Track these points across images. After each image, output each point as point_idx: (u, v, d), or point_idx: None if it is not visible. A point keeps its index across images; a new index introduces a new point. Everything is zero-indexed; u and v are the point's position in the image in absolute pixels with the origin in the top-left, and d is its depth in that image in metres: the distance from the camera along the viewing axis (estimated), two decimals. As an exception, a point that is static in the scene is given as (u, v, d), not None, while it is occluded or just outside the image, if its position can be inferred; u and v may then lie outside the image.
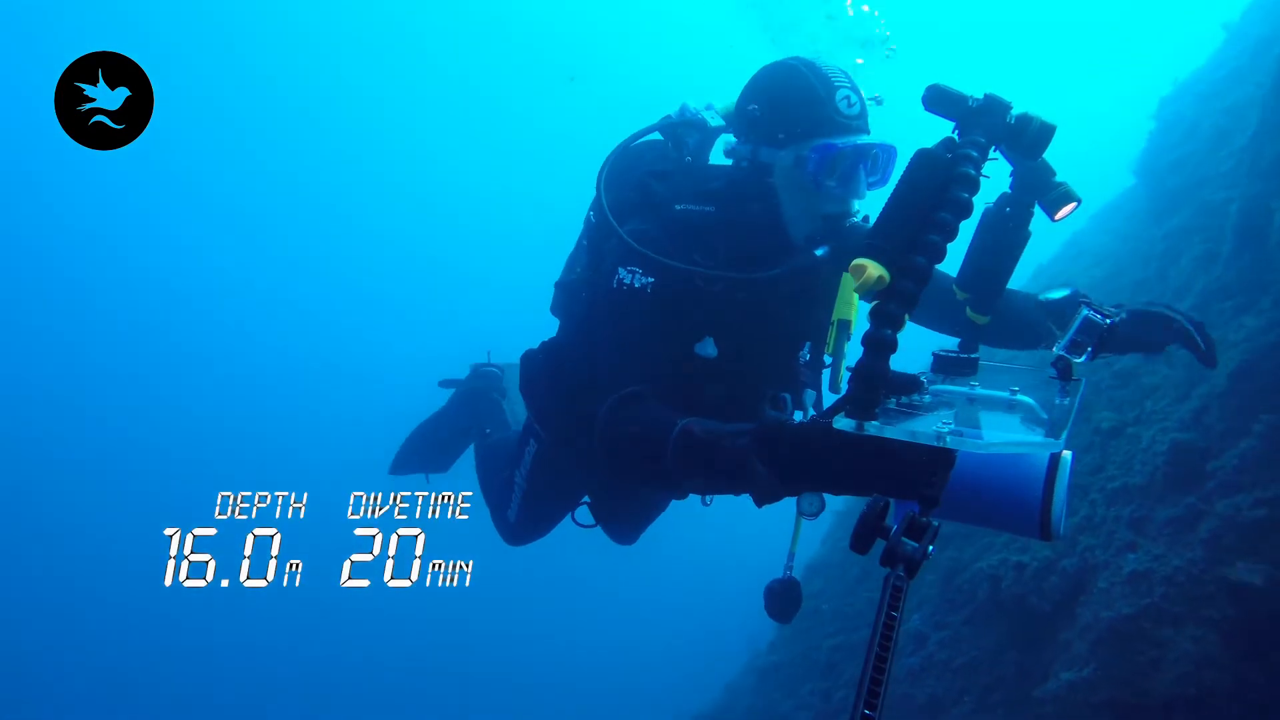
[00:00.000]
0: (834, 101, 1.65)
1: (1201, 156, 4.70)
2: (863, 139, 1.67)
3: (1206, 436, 3.06)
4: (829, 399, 1.92)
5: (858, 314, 1.88)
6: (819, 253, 1.71)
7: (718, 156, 1.99)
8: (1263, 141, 3.42)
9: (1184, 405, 3.26)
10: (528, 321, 3.14)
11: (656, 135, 1.99)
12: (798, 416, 1.92)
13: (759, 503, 1.28)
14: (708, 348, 1.75)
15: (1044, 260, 6.92)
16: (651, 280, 1.67)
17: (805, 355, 1.92)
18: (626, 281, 1.69)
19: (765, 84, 1.73)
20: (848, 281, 1.84)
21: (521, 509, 2.31)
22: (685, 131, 1.97)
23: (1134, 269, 4.91)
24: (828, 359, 1.90)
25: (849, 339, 1.89)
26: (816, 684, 5.00)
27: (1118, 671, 2.82)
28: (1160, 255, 4.61)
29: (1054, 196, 1.52)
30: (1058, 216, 1.54)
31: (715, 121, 1.99)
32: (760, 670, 5.86)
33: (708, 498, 2.00)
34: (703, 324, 1.75)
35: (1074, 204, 1.53)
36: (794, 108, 1.66)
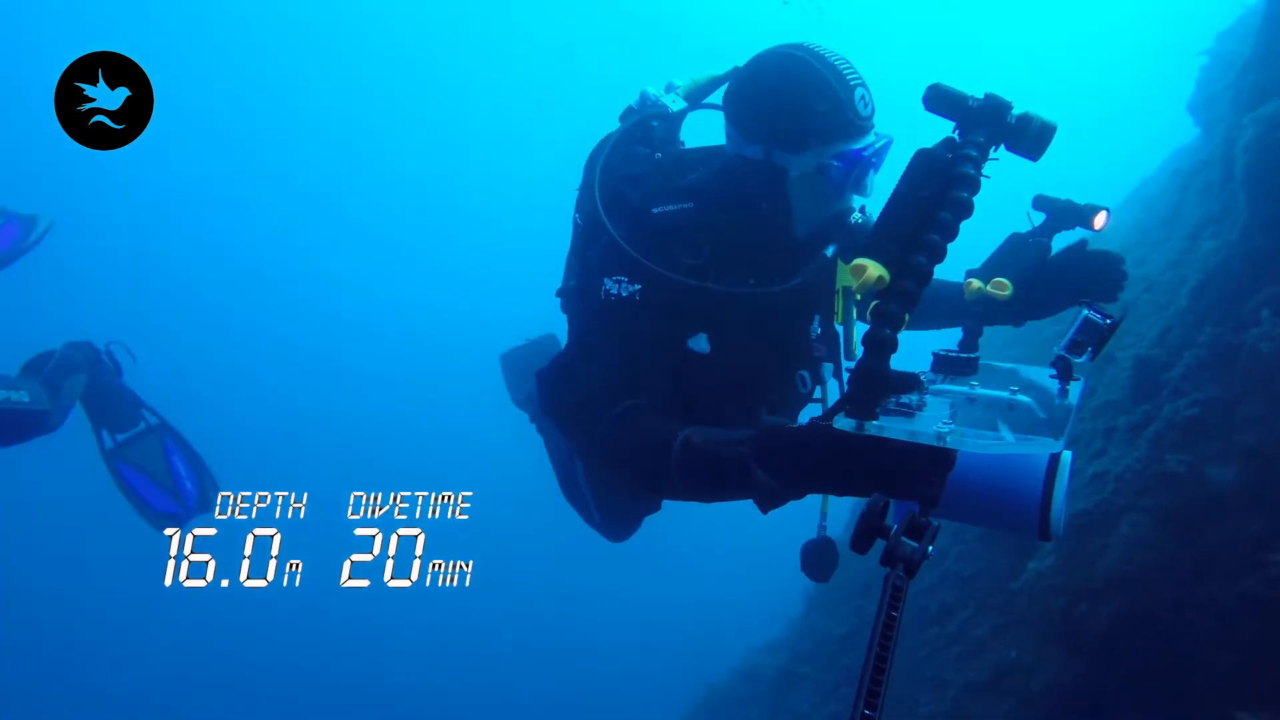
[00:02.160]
0: (854, 104, 1.73)
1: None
2: (879, 140, 1.79)
3: (1167, 351, 3.63)
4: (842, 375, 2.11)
5: None
6: (829, 252, 1.84)
7: (689, 137, 2.15)
8: (1248, 71, 3.74)
9: (1155, 327, 3.84)
10: (532, 324, 3.41)
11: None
12: (816, 393, 2.11)
13: (763, 509, 1.38)
14: (701, 344, 1.85)
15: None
16: (638, 288, 1.76)
17: (816, 329, 2.04)
18: (614, 292, 1.77)
19: (776, 80, 1.77)
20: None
21: (599, 510, 2.44)
22: (650, 121, 2.08)
23: (1162, 203, 5.36)
24: (839, 328, 2.04)
25: (856, 303, 2.07)
26: (857, 603, 5.69)
27: (1073, 559, 3.41)
28: (1180, 188, 5.11)
29: (1084, 210, 1.78)
30: (1097, 226, 1.77)
31: (678, 105, 2.13)
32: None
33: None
34: (698, 325, 1.85)
35: (1104, 211, 1.78)
36: (814, 111, 1.71)
